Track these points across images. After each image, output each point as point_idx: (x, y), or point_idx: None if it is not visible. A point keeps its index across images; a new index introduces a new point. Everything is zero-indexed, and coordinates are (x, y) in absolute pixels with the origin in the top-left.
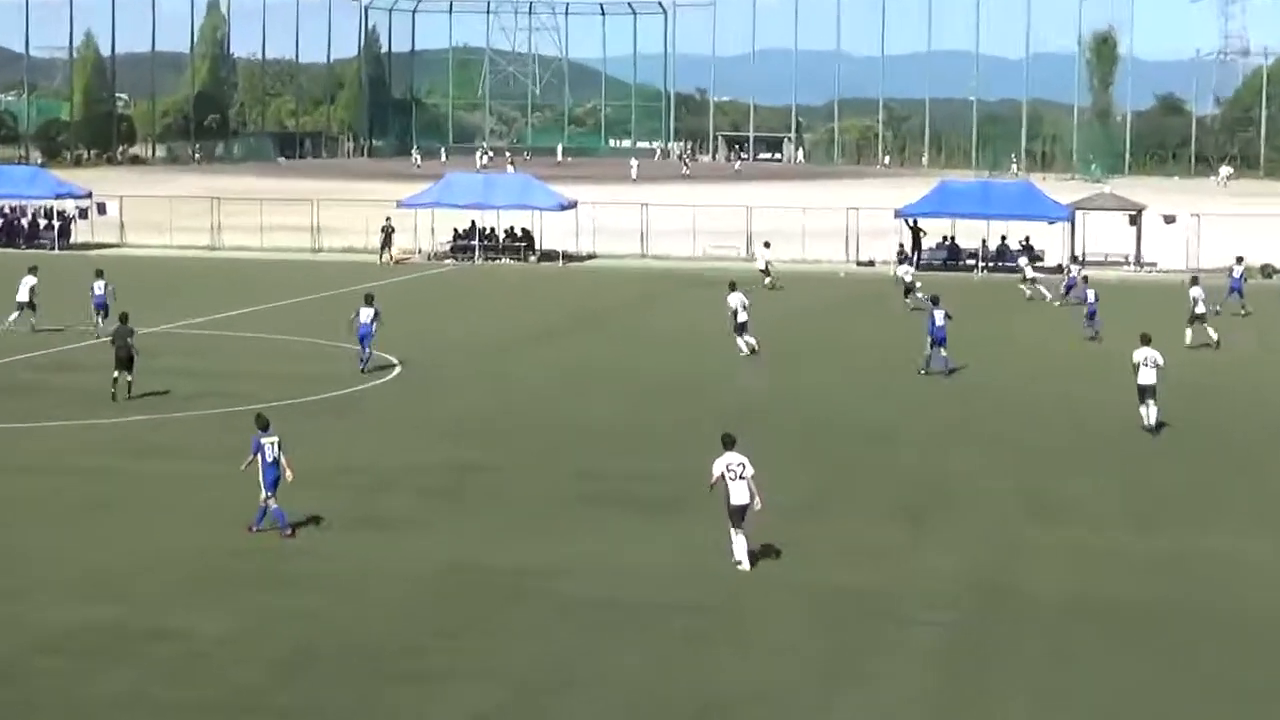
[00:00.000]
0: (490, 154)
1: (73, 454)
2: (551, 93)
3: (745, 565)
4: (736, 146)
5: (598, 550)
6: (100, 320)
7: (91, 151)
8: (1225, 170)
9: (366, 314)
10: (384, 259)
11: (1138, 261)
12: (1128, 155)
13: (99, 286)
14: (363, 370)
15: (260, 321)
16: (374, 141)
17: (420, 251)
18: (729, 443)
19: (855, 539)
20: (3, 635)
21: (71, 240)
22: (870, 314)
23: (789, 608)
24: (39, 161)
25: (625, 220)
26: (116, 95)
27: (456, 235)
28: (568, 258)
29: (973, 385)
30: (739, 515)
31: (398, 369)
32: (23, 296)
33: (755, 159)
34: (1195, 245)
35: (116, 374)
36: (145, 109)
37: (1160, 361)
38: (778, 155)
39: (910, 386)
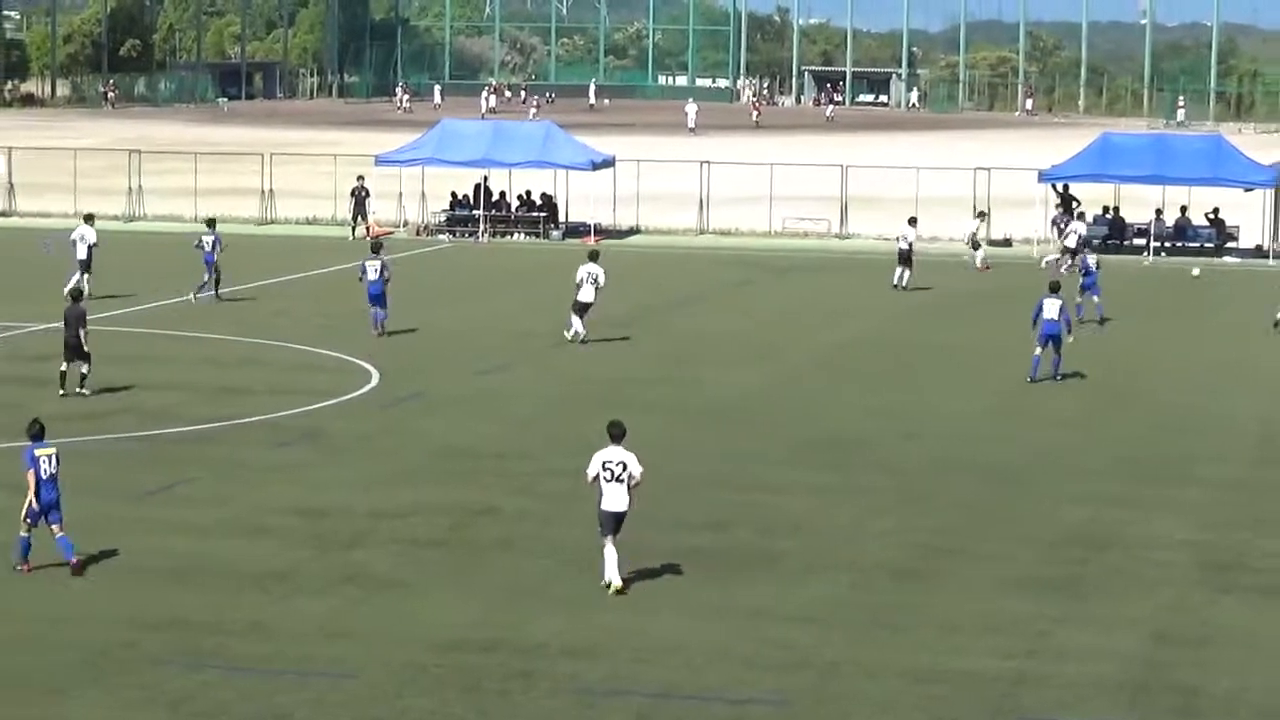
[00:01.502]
0: (507, 93)
1: None
2: (583, 11)
3: (616, 583)
4: (829, 86)
5: (632, 623)
6: (207, 280)
7: None
8: None
9: (373, 268)
10: (357, 233)
11: None
12: None
13: (207, 240)
14: (379, 334)
15: (191, 318)
16: (346, 77)
17: (406, 224)
18: (616, 435)
19: (979, 610)
20: None
21: None
22: (1003, 309)
23: (892, 701)
24: None
25: (679, 183)
26: (3, 13)
27: (455, 202)
28: (602, 233)
29: (1134, 398)
30: (611, 523)
31: (374, 382)
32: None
33: (854, 102)
34: None
35: (66, 366)
36: (42, 33)
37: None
38: (884, 98)
39: (1047, 401)
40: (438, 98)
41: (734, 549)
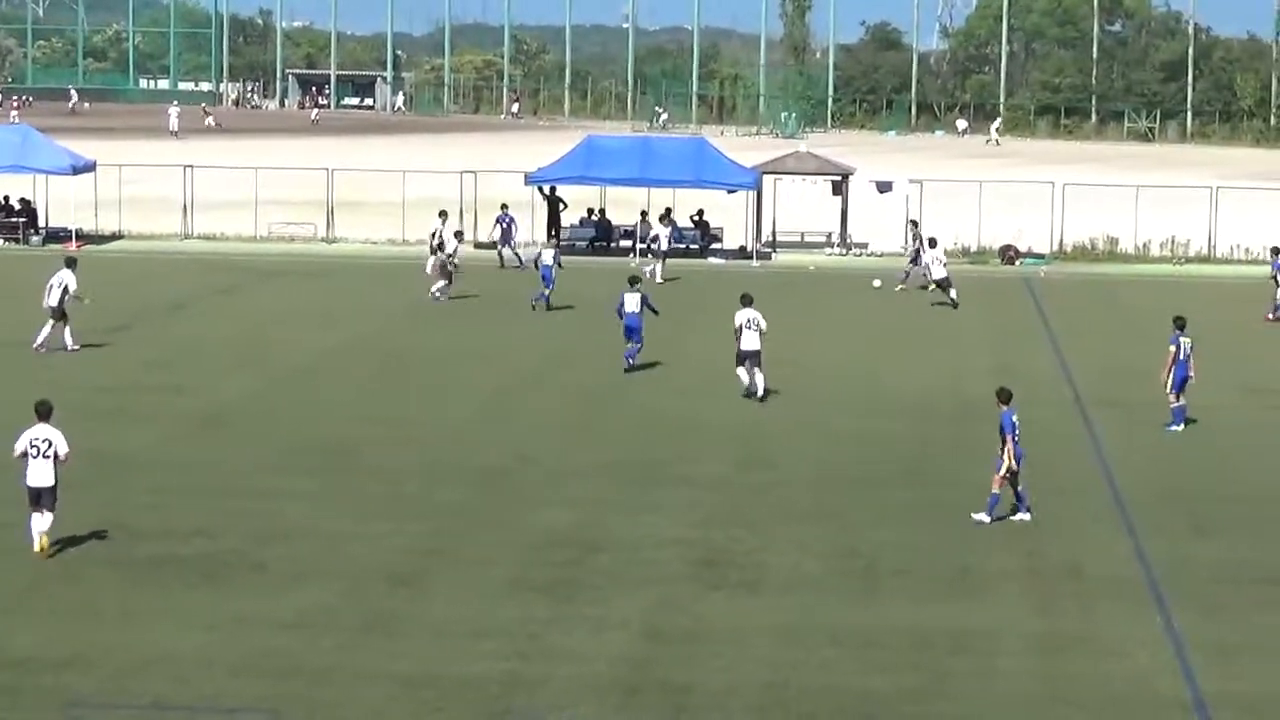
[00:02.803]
0: None
1: None
2: (60, 12)
3: (39, 546)
4: (314, 89)
5: (119, 635)
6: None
7: None
8: (995, 125)
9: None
10: None
11: (843, 242)
12: (830, 103)
13: (548, 255)
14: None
15: None
16: None
17: None
18: (44, 413)
19: (471, 614)
20: None
21: None
22: (495, 312)
23: (383, 707)
24: None
25: (164, 188)
26: None
27: None
28: (84, 238)
29: (619, 402)
30: (35, 497)
31: None
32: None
33: (339, 106)
34: (919, 221)
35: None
36: None
37: (763, 325)
38: (369, 101)
39: (534, 405)
40: None
41: (222, 557)
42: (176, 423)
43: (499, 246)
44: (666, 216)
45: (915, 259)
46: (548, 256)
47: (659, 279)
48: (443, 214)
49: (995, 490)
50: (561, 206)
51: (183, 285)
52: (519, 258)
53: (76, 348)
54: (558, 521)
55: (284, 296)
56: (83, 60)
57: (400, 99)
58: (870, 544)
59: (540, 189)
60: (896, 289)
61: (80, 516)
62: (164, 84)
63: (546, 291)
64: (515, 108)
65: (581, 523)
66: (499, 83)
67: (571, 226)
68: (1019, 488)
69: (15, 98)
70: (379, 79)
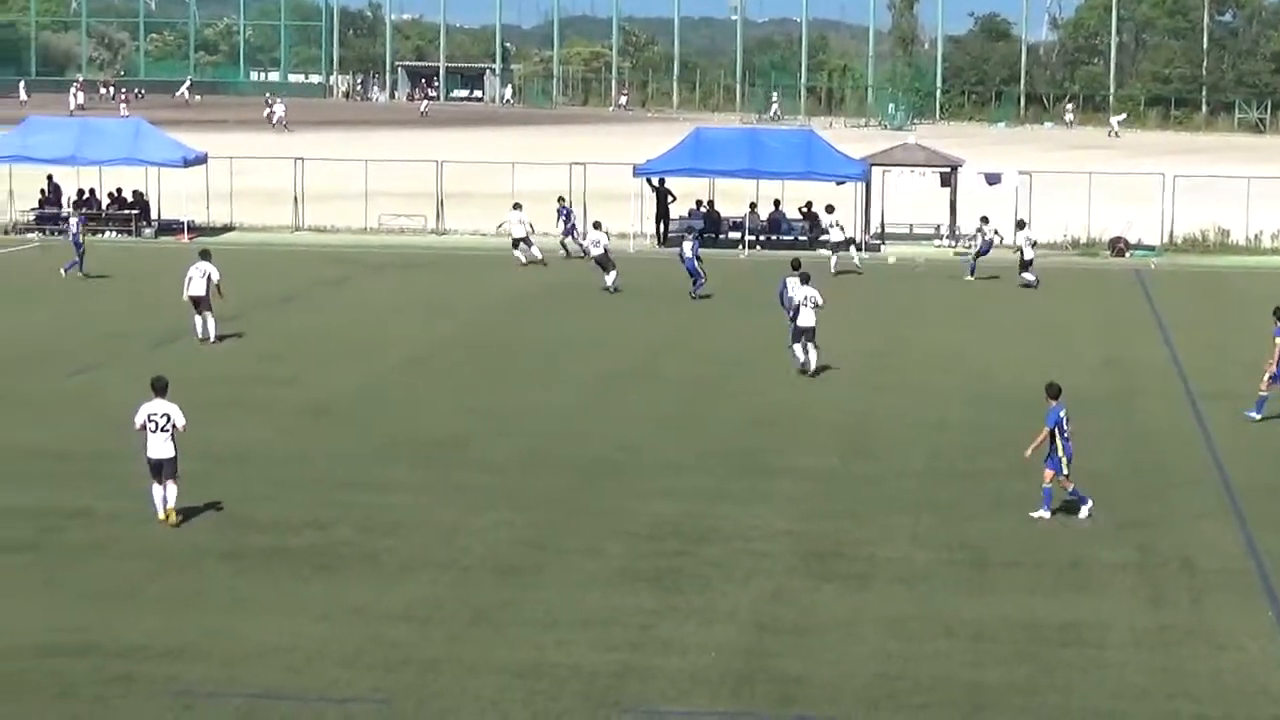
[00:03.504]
0: (103, 90)
1: None
2: (172, 6)
3: (161, 515)
4: (423, 81)
5: (230, 624)
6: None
7: None
8: (1117, 119)
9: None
10: None
11: (952, 234)
12: (939, 95)
13: (687, 248)
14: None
15: None
16: None
17: None
18: (160, 389)
19: (580, 605)
20: None
21: None
22: (592, 302)
23: (494, 697)
24: None
25: (275, 179)
26: None
27: (44, 199)
28: (195, 230)
29: (723, 393)
30: (156, 469)
31: None
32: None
33: (448, 98)
34: (1027, 211)
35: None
36: None
37: (820, 301)
38: (478, 93)
39: (637, 395)
40: (23, 94)
41: (333, 548)
42: (288, 414)
43: (562, 238)
44: (831, 210)
45: (985, 251)
46: (687, 249)
47: (833, 270)
48: (517, 205)
49: (1047, 484)
50: (670, 199)
51: (294, 277)
52: (582, 247)
53: (214, 339)
54: (665, 512)
55: (393, 288)
56: (194, 53)
57: (509, 91)
58: (981, 536)
59: (649, 181)
60: (967, 279)
61: (194, 508)
62: (274, 76)
63: (701, 281)
64: (623, 100)
65: (688, 514)
66: (607, 75)
67: (680, 218)
68: (1071, 487)
69: (123, 90)
70: (488, 71)
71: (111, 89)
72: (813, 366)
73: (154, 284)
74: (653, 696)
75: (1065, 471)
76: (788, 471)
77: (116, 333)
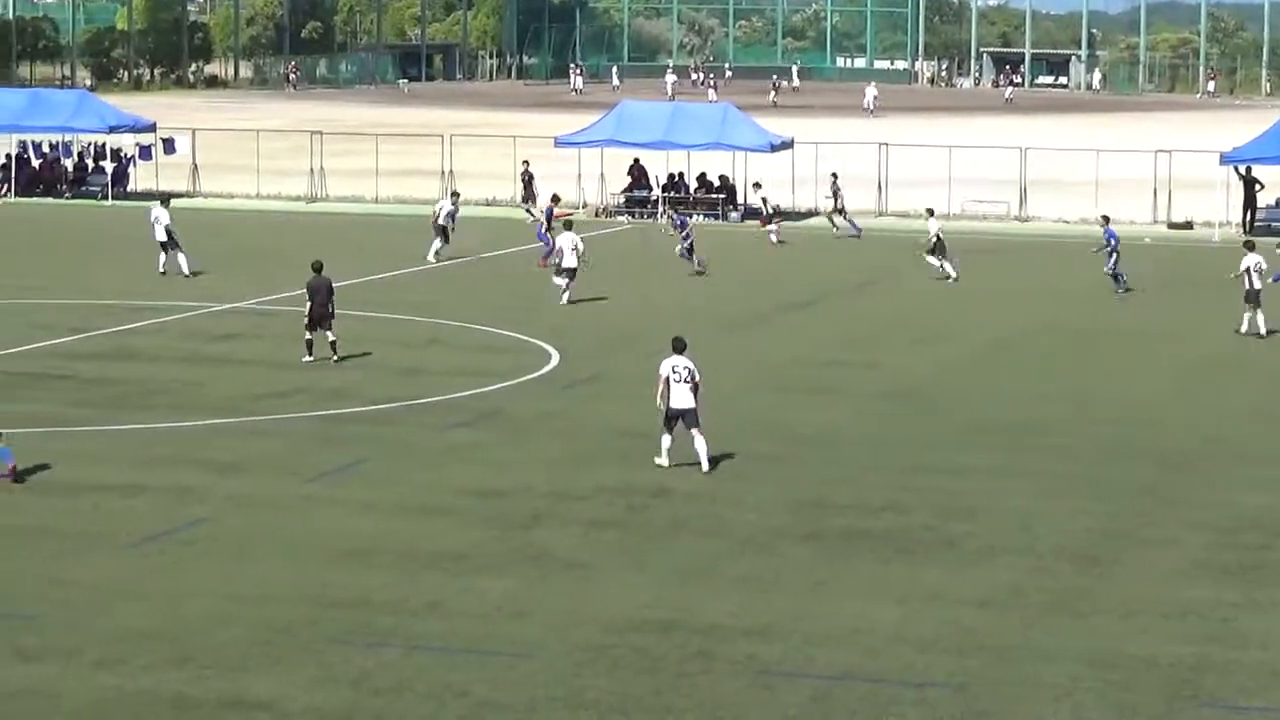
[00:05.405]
0: (698, 76)
1: (121, 463)
2: None
3: (662, 463)
4: (1008, 68)
5: (807, 604)
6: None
7: (155, 71)
8: None
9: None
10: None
11: None
12: None
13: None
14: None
15: (376, 297)
16: (525, 59)
17: (585, 205)
18: (679, 348)
19: (1158, 596)
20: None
21: (129, 188)
22: (1190, 292)
23: (1069, 686)
24: (87, 84)
25: (859, 165)
26: None
27: (634, 182)
28: (781, 215)
29: None
30: (676, 417)
31: (553, 363)
32: (159, 235)
33: (1033, 84)
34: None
35: (310, 334)
36: (225, 15)
37: None
38: (1063, 80)
39: (1225, 386)
40: (615, 80)
41: (912, 532)
42: (867, 398)
43: (831, 215)
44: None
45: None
46: None
47: None
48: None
49: None
50: (1258, 187)
51: (871, 261)
52: (853, 225)
53: None
54: (1248, 504)
55: (971, 274)
56: (782, 39)
57: (1095, 78)
58: None
59: (1236, 169)
60: None
61: (773, 490)
62: (860, 62)
63: None
64: (1210, 87)
65: (1271, 507)
66: (1194, 61)
67: (1267, 207)
68: None
69: (711, 75)
70: (1073, 58)
71: (700, 75)
72: None
73: (744, 267)
74: (1231, 691)
75: None
76: None
77: (704, 313)
